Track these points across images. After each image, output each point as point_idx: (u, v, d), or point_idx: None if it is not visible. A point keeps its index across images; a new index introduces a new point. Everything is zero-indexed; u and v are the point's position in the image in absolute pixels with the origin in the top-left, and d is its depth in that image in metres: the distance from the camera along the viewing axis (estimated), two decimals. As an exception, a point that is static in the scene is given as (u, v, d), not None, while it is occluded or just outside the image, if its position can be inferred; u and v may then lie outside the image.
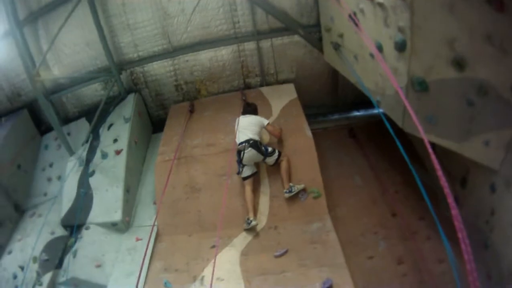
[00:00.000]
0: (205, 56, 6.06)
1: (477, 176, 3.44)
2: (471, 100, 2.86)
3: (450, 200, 1.97)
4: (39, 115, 6.65)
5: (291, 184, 4.53)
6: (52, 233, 5.19)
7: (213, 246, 4.22)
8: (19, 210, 5.98)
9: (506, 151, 2.86)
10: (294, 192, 4.49)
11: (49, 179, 6.13)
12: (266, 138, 5.06)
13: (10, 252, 5.33)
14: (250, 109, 5.12)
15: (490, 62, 2.61)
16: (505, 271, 2.99)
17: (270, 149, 4.62)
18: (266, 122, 4.84)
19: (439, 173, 2.06)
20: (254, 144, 4.53)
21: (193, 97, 6.47)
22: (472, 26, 2.58)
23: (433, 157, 2.14)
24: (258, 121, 4.80)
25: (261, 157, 4.58)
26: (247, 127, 4.71)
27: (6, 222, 5.69)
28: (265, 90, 6.08)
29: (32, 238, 5.22)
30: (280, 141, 4.97)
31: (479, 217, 3.41)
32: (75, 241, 4.89)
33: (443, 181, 2.02)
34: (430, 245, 4.02)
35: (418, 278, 3.91)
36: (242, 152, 4.53)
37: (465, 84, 2.83)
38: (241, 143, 4.58)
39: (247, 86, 6.35)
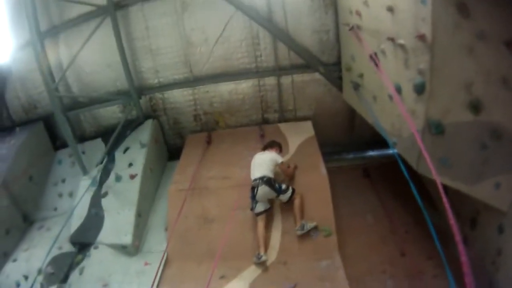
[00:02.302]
0: (225, 88, 6.10)
1: (486, 218, 3.50)
2: (484, 144, 2.94)
3: (457, 235, 2.02)
4: (54, 129, 6.72)
5: (303, 221, 4.56)
6: (60, 248, 5.24)
7: (222, 277, 4.26)
8: (27, 221, 6.05)
9: (515, 193, 2.94)
10: (306, 230, 4.52)
11: (60, 195, 6.19)
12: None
13: (15, 260, 5.43)
14: (269, 145, 5.21)
15: (505, 105, 2.72)
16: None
17: (284, 186, 4.67)
18: (280, 160, 4.90)
19: (449, 214, 2.11)
20: (267, 181, 4.59)
21: (211, 128, 6.47)
22: (489, 69, 2.68)
23: (444, 199, 2.19)
24: (272, 158, 4.86)
25: (275, 194, 4.63)
26: (261, 163, 4.79)
27: (13, 231, 5.77)
28: (283, 126, 6.13)
29: (39, 250, 5.31)
30: (295, 178, 5.03)
31: (486, 258, 3.48)
32: (83, 259, 4.97)
33: (452, 220, 2.07)
34: (437, 283, 4.05)
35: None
36: (256, 189, 4.60)
37: (480, 128, 2.92)
38: (255, 179, 4.66)
39: (265, 121, 6.36)
